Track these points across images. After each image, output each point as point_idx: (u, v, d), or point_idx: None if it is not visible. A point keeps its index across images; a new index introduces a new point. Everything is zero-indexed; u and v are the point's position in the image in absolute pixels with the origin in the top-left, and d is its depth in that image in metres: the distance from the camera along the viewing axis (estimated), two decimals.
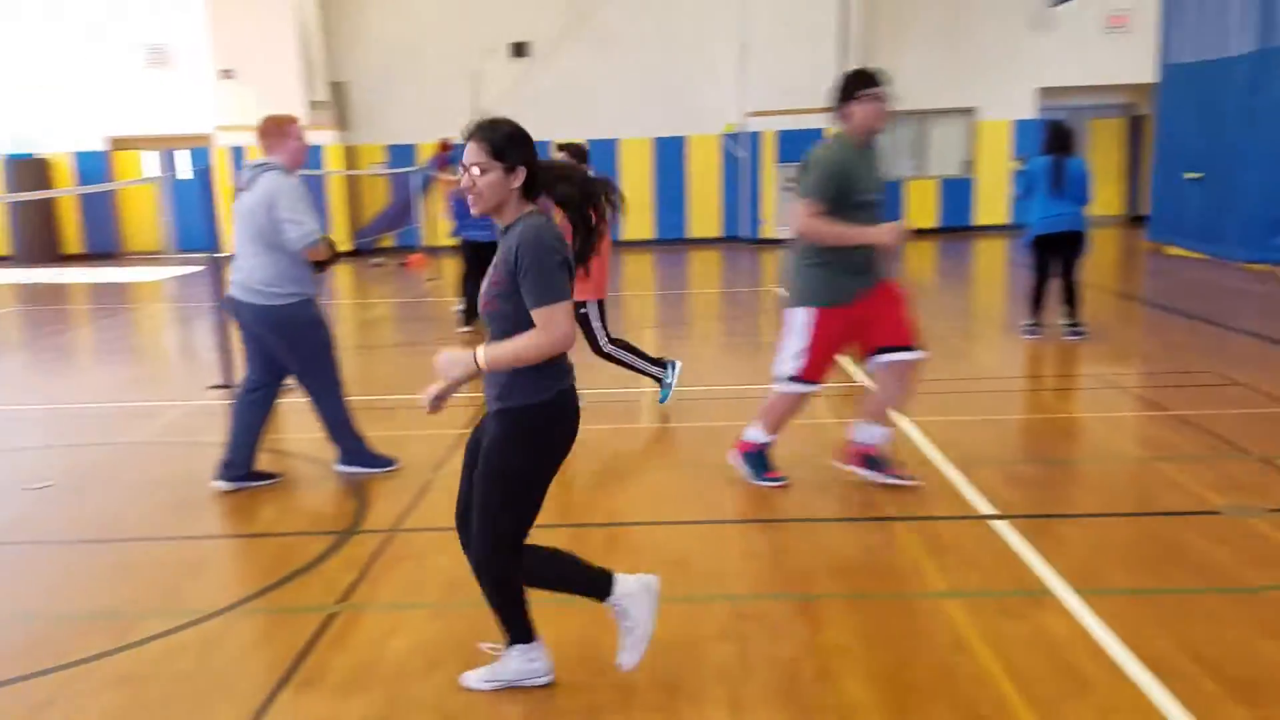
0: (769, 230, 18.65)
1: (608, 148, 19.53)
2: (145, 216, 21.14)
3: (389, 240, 20.09)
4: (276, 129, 5.51)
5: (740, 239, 19.51)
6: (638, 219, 19.42)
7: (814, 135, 17.56)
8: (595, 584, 3.29)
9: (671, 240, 19.97)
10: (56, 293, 15.91)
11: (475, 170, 2.94)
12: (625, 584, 3.28)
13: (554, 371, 3.06)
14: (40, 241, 20.21)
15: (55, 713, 3.32)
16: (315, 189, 17.88)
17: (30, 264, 19.40)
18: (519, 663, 3.32)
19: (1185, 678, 3.29)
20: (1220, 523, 4.64)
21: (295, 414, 7.20)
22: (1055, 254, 8.98)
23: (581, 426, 3.20)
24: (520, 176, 2.98)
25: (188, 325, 12.32)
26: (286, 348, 5.52)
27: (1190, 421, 6.30)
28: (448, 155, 18.91)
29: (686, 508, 5.16)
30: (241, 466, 5.60)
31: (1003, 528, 4.64)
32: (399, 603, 4.11)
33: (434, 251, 17.47)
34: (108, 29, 19.79)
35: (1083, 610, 3.77)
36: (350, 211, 20.14)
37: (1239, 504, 4.84)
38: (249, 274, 5.38)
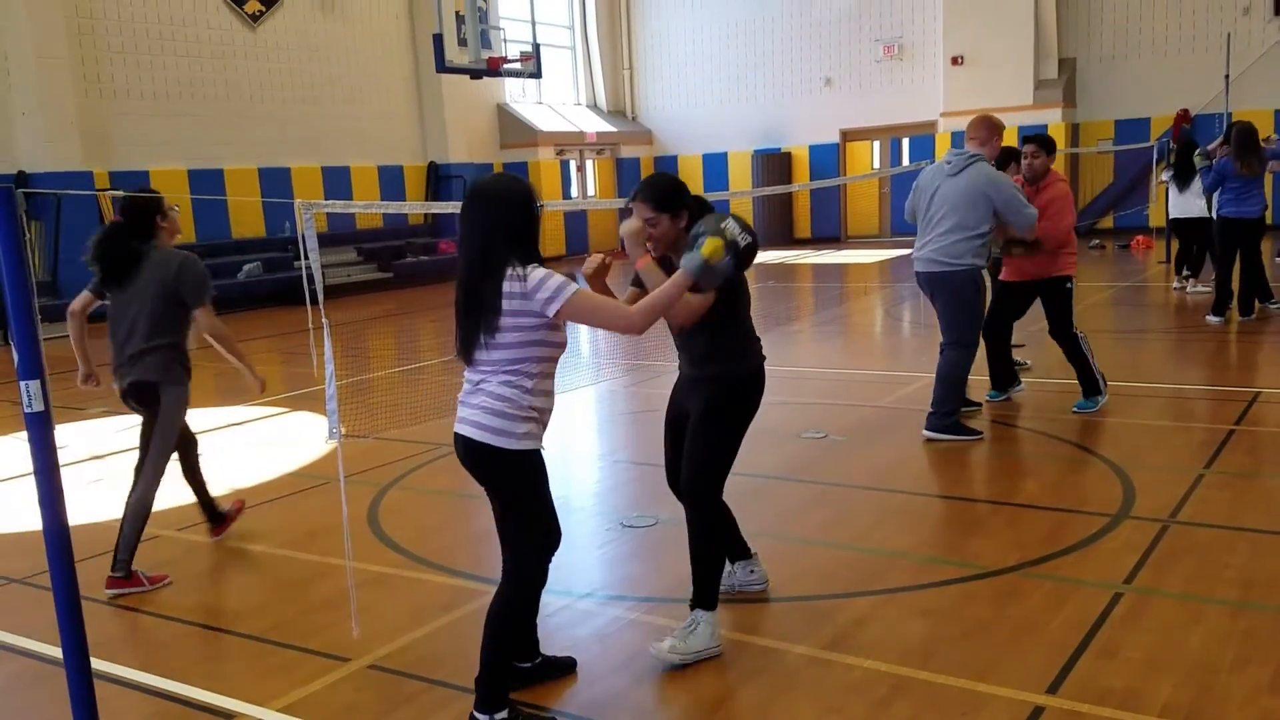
0: None
1: None
2: (868, 201, 22.74)
3: (1108, 221, 19.10)
4: (993, 128, 6.24)
5: None
6: None
7: None
8: (737, 547, 4.02)
9: None
10: (794, 272, 17.90)
11: (650, 225, 3.50)
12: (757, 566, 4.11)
13: (757, 348, 3.72)
14: (779, 227, 22.81)
15: (873, 630, 3.77)
16: None
17: (768, 247, 22.04)
18: (706, 627, 3.60)
19: None
20: None
21: (1042, 394, 7.26)
22: None
23: None
24: (684, 218, 3.53)
25: (906, 304, 13.01)
26: (944, 307, 6.24)
27: None
28: (1189, 127, 17.36)
29: None
30: (945, 418, 6.26)
31: None
32: (1191, 594, 3.92)
33: (1160, 232, 16.18)
34: (853, 28, 21.52)
35: None
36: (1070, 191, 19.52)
37: None
38: (933, 248, 6.13)
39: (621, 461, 6.30)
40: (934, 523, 5.05)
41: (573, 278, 3.07)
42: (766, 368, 3.76)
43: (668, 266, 3.49)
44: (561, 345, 3.14)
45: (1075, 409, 6.68)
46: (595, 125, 23.42)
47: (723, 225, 3.16)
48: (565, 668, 3.57)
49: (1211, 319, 9.70)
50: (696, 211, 3.55)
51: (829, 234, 22.68)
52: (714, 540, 3.68)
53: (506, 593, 3.23)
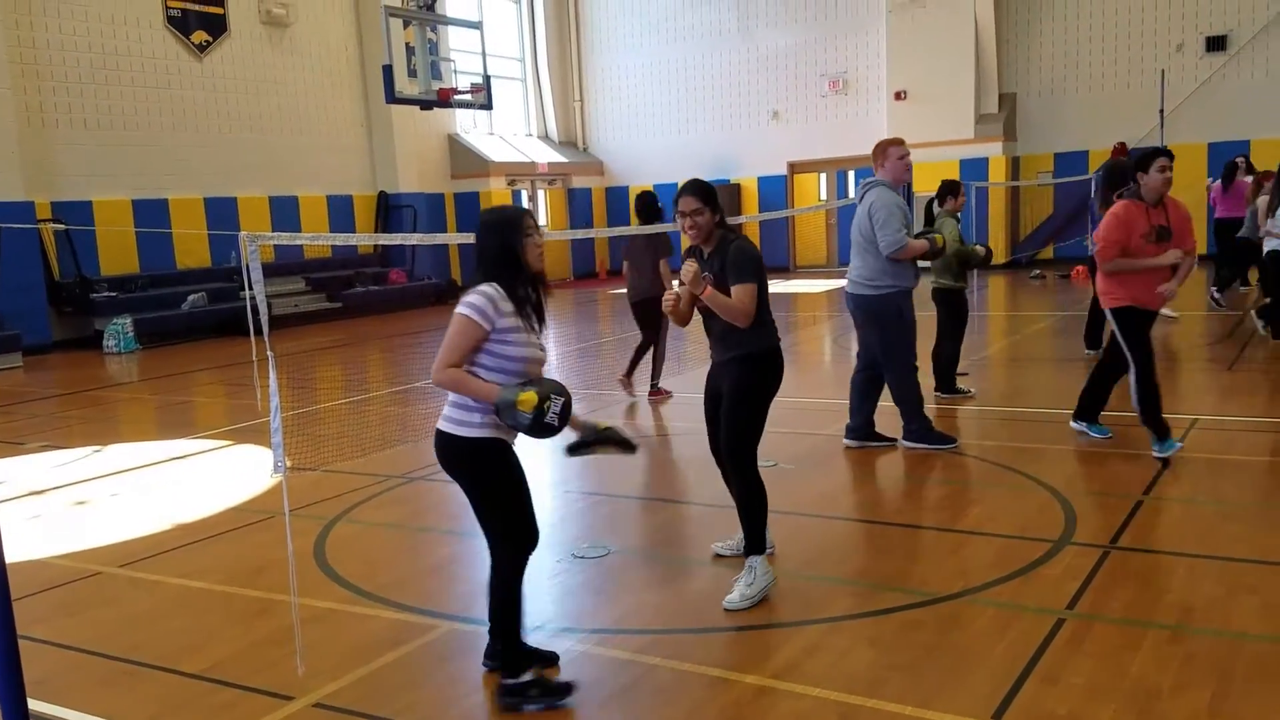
0: None
1: None
2: (815, 232, 23.02)
3: (1049, 252, 19.52)
4: (880, 152, 6.57)
5: None
6: None
7: None
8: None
9: None
10: None
11: (695, 215, 4.24)
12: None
13: (773, 331, 4.39)
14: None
15: (822, 659, 3.79)
16: (980, 200, 18.00)
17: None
18: (762, 569, 4.28)
19: None
20: None
21: (985, 422, 7.38)
22: None
23: None
24: (718, 215, 4.31)
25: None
26: (874, 331, 6.65)
27: None
28: (1126, 159, 17.80)
29: None
30: (862, 429, 6.77)
31: None
32: (1132, 619, 3.99)
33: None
34: (799, 63, 21.87)
35: None
36: (1010, 223, 19.93)
37: None
38: (854, 271, 6.62)
39: (572, 492, 6.29)
40: (880, 550, 5.09)
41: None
42: None
43: (699, 256, 4.33)
44: (515, 359, 3.43)
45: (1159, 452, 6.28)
46: (546, 156, 23.50)
47: (550, 393, 3.34)
48: (547, 660, 3.80)
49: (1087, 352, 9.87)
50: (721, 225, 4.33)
51: (778, 264, 22.90)
52: (755, 494, 4.32)
53: (493, 577, 3.56)
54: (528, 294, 3.50)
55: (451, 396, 3.47)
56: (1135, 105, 18.55)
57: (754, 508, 4.33)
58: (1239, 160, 14.01)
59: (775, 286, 19.57)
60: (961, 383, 8.30)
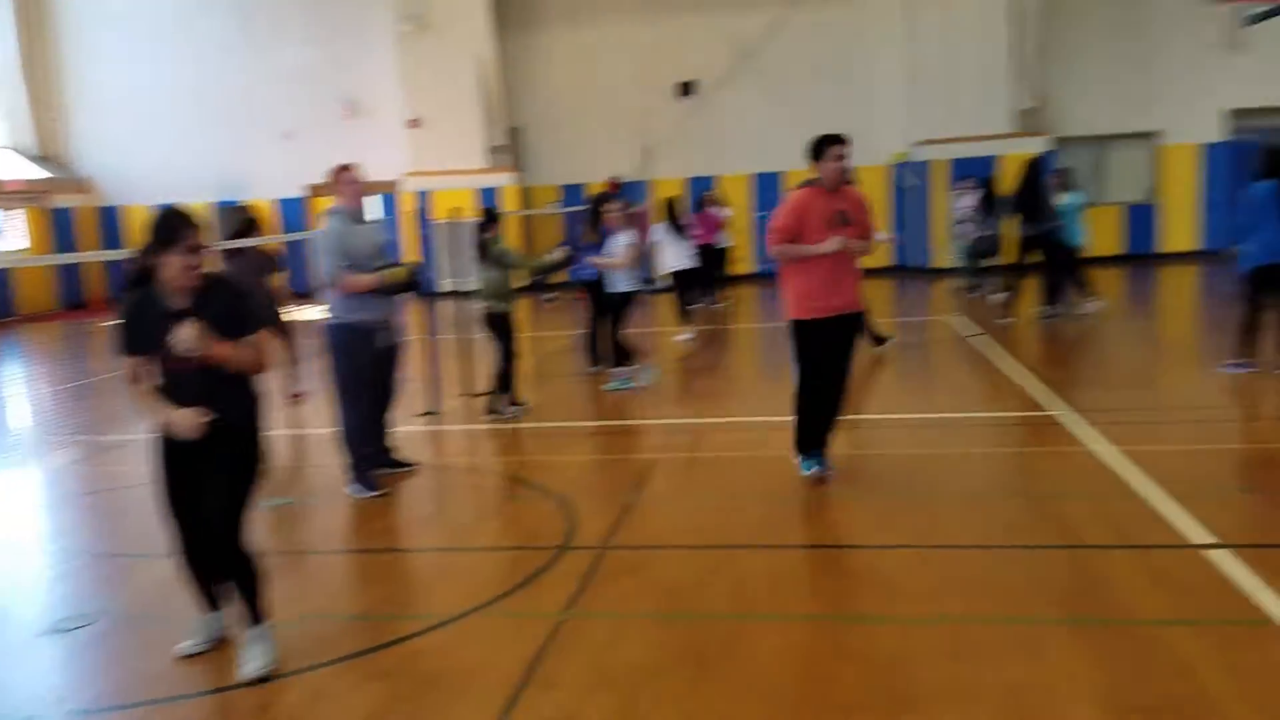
0: (941, 259, 18.42)
1: (774, 181, 19.74)
2: None
3: (564, 276, 20.77)
4: (331, 179, 6.52)
5: (909, 268, 19.27)
6: None
7: (986, 162, 17.34)
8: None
9: None
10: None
11: (199, 252, 3.79)
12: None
13: (256, 389, 4.00)
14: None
15: (326, 704, 3.69)
16: None
17: None
18: (270, 636, 3.99)
19: None
20: None
21: (506, 439, 7.66)
22: (1275, 286, 8.21)
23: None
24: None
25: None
26: (328, 361, 6.40)
27: None
28: (616, 193, 19.50)
29: (894, 531, 5.24)
30: (351, 474, 6.32)
31: (1222, 556, 4.54)
32: (621, 612, 4.35)
33: None
34: (311, 84, 21.26)
35: None
36: (525, 249, 20.94)
37: None
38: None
39: (58, 551, 5.57)
40: (395, 578, 5.09)
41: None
42: None
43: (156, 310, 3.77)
44: None
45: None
46: (19, 171, 20.65)
47: None
48: None
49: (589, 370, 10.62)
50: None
51: (299, 289, 22.07)
52: (252, 569, 3.96)
53: None
54: None
55: None
56: (625, 143, 20.39)
57: (252, 580, 3.97)
58: (705, 194, 16.28)
59: (303, 313, 18.85)
60: (496, 403, 8.44)
